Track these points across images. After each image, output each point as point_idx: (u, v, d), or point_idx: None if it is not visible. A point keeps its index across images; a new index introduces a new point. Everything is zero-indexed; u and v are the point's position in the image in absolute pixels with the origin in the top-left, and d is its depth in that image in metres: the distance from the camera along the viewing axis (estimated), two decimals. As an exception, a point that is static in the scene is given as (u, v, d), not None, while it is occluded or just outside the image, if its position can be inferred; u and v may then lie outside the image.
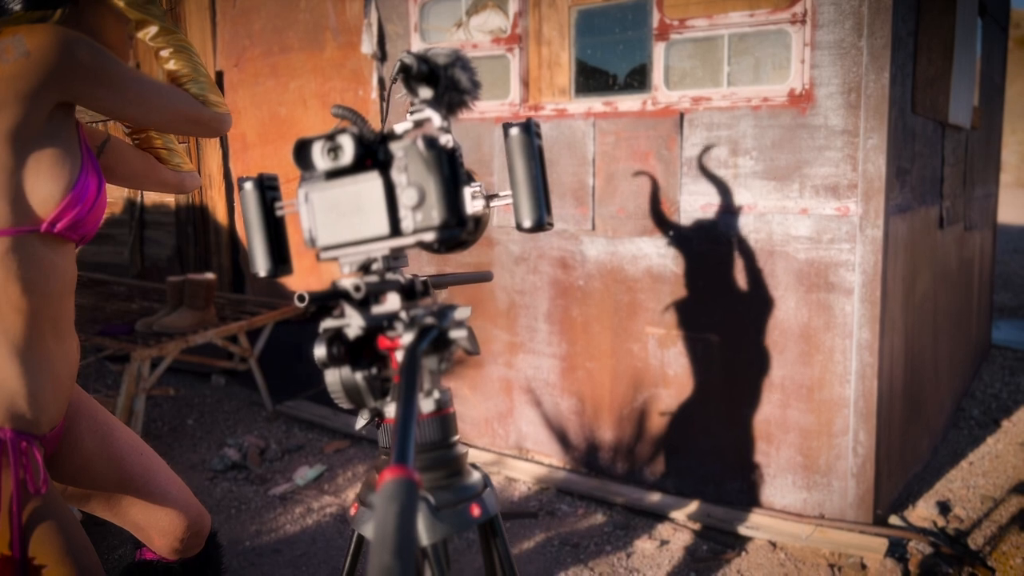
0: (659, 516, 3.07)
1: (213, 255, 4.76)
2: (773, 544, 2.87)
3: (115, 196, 5.25)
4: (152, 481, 1.68)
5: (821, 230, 2.85)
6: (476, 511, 0.91)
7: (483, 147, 3.56)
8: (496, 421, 3.69)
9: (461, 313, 0.91)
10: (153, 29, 1.56)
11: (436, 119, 0.87)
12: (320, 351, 0.88)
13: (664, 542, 2.90)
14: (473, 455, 3.62)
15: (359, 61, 3.90)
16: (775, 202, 2.93)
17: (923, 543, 2.81)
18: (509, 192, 0.89)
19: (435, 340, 0.87)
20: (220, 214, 4.71)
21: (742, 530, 2.92)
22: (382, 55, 3.76)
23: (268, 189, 0.95)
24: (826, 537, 2.83)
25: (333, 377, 0.92)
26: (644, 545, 2.88)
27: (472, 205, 0.89)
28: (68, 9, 1.43)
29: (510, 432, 3.65)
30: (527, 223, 0.88)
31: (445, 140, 0.89)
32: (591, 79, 3.35)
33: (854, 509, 2.91)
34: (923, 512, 3.11)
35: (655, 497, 3.16)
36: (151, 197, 5.05)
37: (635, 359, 3.27)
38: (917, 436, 3.46)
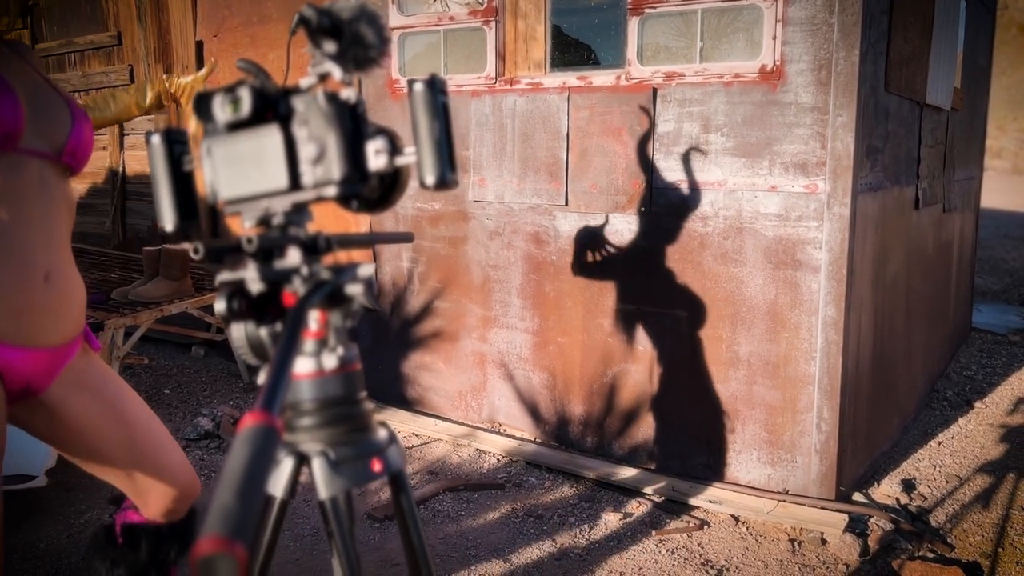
0: (625, 489, 3.09)
1: (193, 226, 4.76)
2: (736, 518, 2.89)
3: (97, 167, 5.24)
4: (158, 447, 1.72)
5: (789, 207, 2.85)
6: (377, 466, 0.91)
7: (458, 121, 3.55)
8: (469, 394, 3.70)
9: (363, 270, 0.91)
10: None
11: (337, 73, 0.87)
12: (220, 305, 0.88)
13: (628, 515, 2.92)
14: (446, 428, 3.64)
15: (337, 32, 3.88)
16: (745, 179, 2.92)
17: (884, 519, 2.83)
18: (414, 149, 0.89)
19: (331, 295, 0.87)
20: (200, 185, 4.70)
21: (706, 504, 2.95)
22: (359, 26, 3.73)
23: (176, 143, 0.95)
24: (787, 512, 2.85)
25: (238, 332, 0.93)
26: (608, 517, 2.90)
27: (375, 161, 0.89)
28: None
29: (483, 405, 3.67)
30: (429, 180, 0.88)
31: (347, 95, 0.88)
32: (566, 53, 3.34)
33: (817, 485, 2.93)
34: (887, 490, 3.14)
35: (622, 470, 3.18)
36: (132, 167, 5.04)
37: (605, 334, 3.28)
38: (886, 415, 3.48)
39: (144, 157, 4.84)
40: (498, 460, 3.38)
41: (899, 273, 3.50)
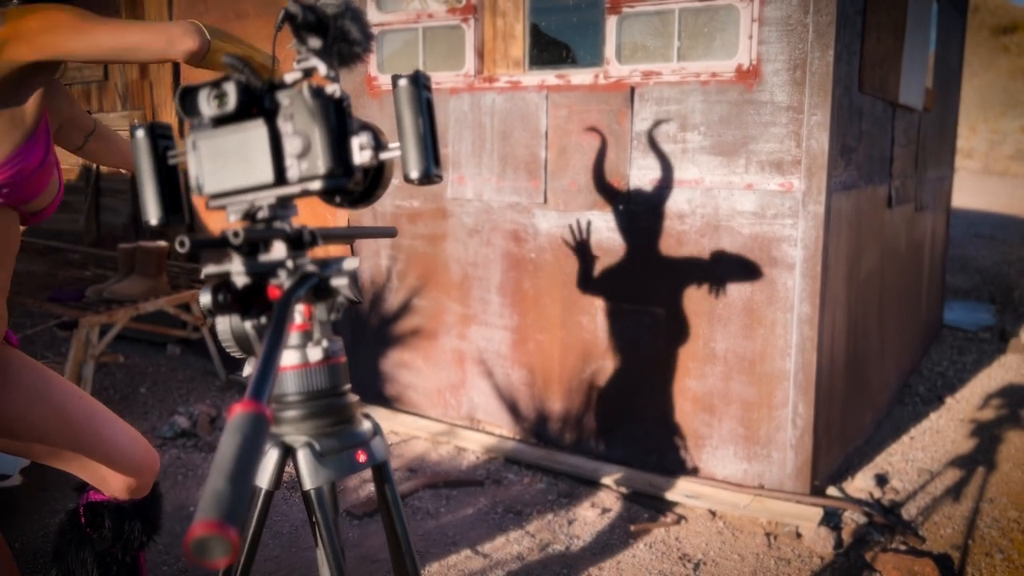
0: (603, 485, 3.12)
1: (169, 224, 4.72)
2: (713, 512, 2.92)
3: (71, 163, 5.18)
4: (96, 422, 1.71)
5: (765, 205, 2.89)
6: (362, 457, 0.92)
7: (437, 118, 3.53)
8: (448, 392, 3.71)
9: (348, 264, 0.92)
10: None
11: (322, 68, 0.88)
12: (205, 298, 0.88)
13: (606, 510, 2.94)
14: (425, 425, 3.64)
15: (315, 29, 3.87)
16: (721, 177, 2.95)
17: (857, 513, 2.88)
18: (398, 144, 0.90)
19: (316, 288, 0.88)
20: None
21: (683, 499, 2.98)
22: (338, 23, 3.73)
23: (161, 137, 0.95)
24: (763, 506, 2.89)
25: (223, 325, 0.93)
26: (586, 512, 2.92)
27: (360, 156, 0.90)
28: None
29: (462, 403, 3.68)
30: (414, 174, 0.89)
31: (332, 89, 0.89)
32: (545, 51, 3.35)
33: (792, 480, 2.97)
34: (861, 484, 3.19)
35: (600, 466, 3.20)
36: (107, 164, 4.99)
37: (584, 331, 3.30)
38: (859, 410, 3.53)
39: (119, 154, 4.79)
40: (477, 457, 3.39)
41: (872, 271, 3.56)
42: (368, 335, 3.90)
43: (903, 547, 2.74)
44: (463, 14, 3.42)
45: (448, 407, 3.72)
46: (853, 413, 3.44)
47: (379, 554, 2.62)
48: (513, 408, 3.54)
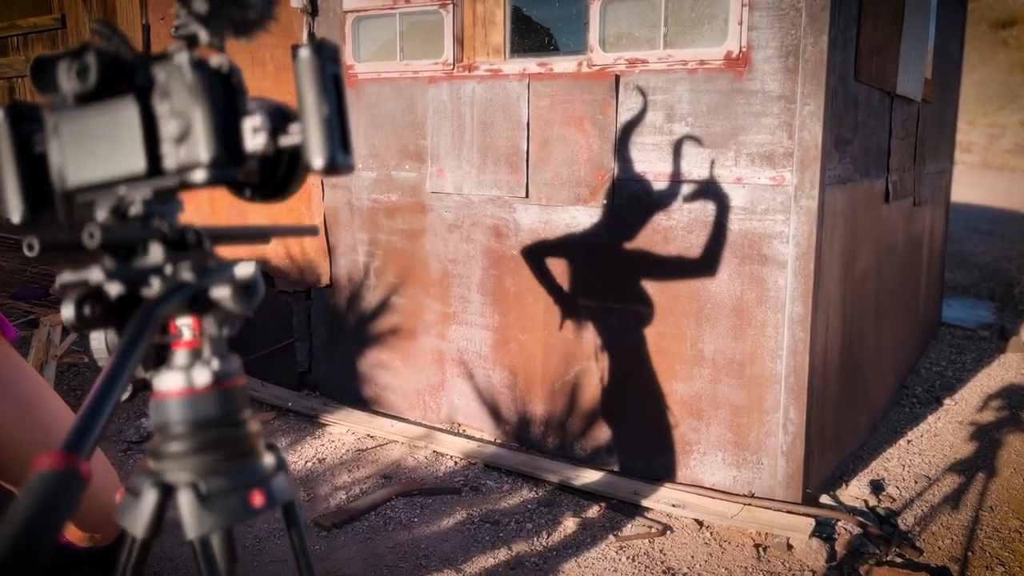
0: (586, 492, 2.98)
1: (143, 218, 4.58)
2: (699, 522, 2.78)
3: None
4: None
5: (756, 200, 2.74)
6: (258, 500, 0.78)
7: (417, 108, 3.40)
8: (428, 394, 3.57)
9: (241, 270, 0.77)
10: None
11: (204, 36, 0.73)
12: (67, 312, 0.74)
13: (588, 519, 2.80)
14: (403, 429, 3.50)
15: (289, 15, 3.71)
16: (710, 170, 2.81)
17: (851, 523, 2.74)
18: (299, 127, 0.76)
19: (194, 300, 0.73)
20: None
21: (669, 508, 2.84)
22: (312, 9, 3.58)
23: (25, 120, 0.80)
24: (753, 516, 2.75)
25: (98, 343, 0.79)
26: (567, 523, 2.78)
27: (253, 140, 0.75)
28: None
29: (442, 405, 3.53)
30: (317, 163, 0.74)
31: (219, 62, 0.74)
32: (527, 38, 3.20)
33: (783, 488, 2.83)
34: (856, 491, 3.05)
35: (583, 473, 3.06)
36: (80, 157, 4.83)
37: (567, 331, 3.16)
38: (854, 413, 3.39)
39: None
40: (456, 462, 3.25)
41: (868, 268, 3.41)
42: (345, 334, 3.75)
43: (899, 559, 2.61)
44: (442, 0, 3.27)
45: (427, 409, 3.57)
46: (847, 417, 3.30)
47: (346, 568, 2.48)
48: (494, 411, 3.39)
